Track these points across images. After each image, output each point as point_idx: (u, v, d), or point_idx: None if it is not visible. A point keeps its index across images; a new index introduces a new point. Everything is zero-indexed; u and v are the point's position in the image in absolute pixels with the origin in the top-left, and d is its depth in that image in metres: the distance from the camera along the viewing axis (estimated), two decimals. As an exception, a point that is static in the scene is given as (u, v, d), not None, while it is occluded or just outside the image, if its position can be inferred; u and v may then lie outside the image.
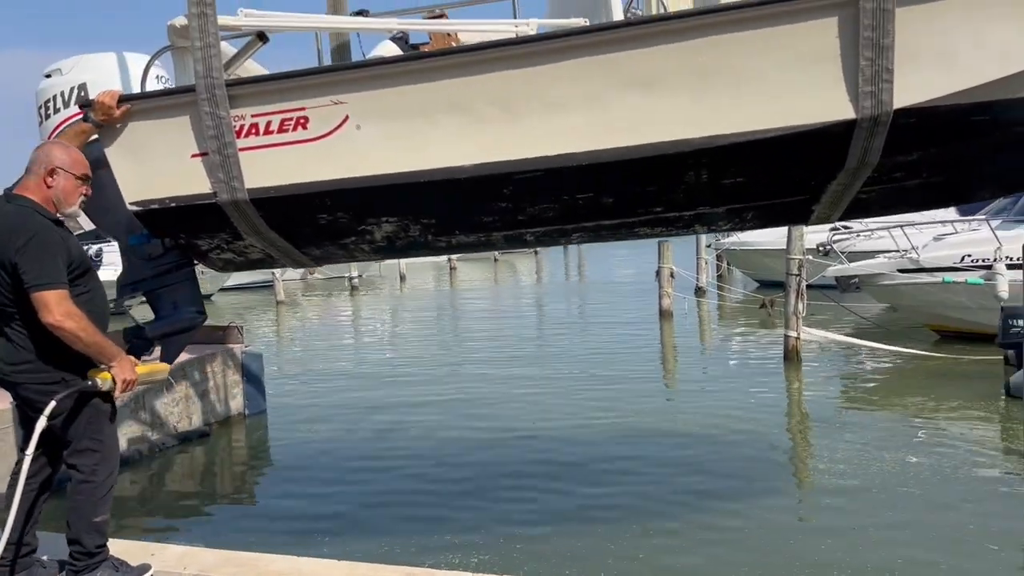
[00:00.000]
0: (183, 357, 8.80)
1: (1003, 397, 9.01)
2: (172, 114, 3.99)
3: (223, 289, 27.42)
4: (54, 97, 4.71)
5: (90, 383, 3.66)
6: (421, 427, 9.13)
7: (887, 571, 5.10)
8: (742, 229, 5.20)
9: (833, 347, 12.67)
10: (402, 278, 32.64)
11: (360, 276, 30.93)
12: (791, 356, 11.57)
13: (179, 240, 4.40)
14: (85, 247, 3.97)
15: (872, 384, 10.91)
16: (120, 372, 3.69)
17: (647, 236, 4.72)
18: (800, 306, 11.53)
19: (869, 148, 3.64)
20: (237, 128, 3.91)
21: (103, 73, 4.81)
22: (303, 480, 7.58)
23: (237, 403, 9.49)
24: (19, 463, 3.68)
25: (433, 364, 13.22)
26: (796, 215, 4.66)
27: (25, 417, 3.78)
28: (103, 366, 3.69)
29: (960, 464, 7.08)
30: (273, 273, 24.61)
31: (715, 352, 14.16)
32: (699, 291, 20.66)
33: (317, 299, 27.63)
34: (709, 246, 22.58)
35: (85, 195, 3.75)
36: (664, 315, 16.42)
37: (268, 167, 3.94)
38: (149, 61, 4.33)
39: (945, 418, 8.74)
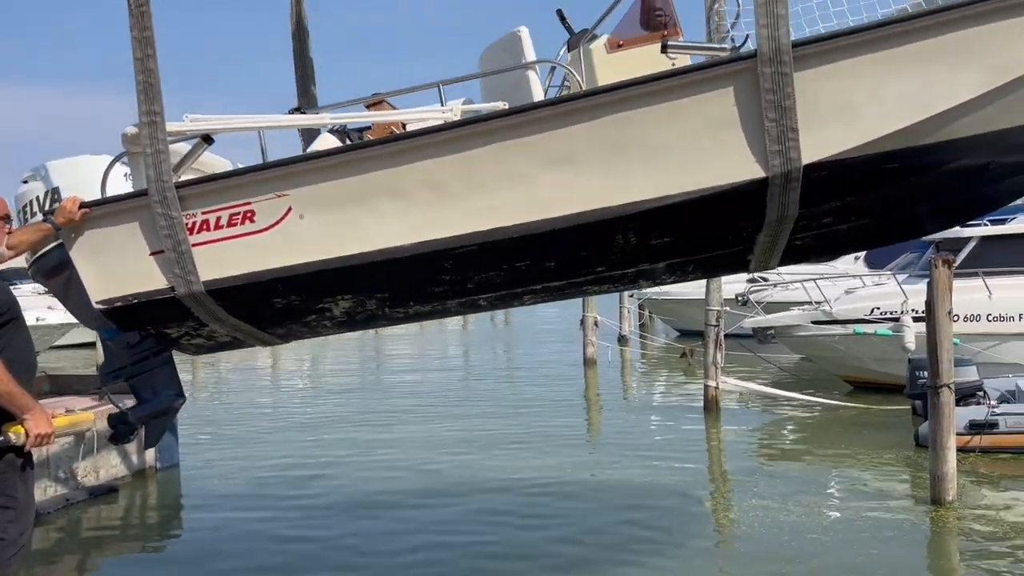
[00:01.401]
0: (94, 406, 8.51)
1: (913, 446, 9.35)
2: (128, 216, 4.21)
3: (54, 347, 25.00)
4: (31, 202, 4.94)
5: (2, 438, 3.53)
6: (340, 483, 8.95)
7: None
8: (686, 280, 5.37)
9: (751, 397, 13.00)
10: (325, 324, 32.09)
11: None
12: (710, 406, 11.80)
13: (148, 332, 4.56)
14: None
15: (788, 434, 11.20)
16: (34, 426, 3.58)
17: (597, 293, 4.88)
18: (718, 356, 11.81)
19: (786, 202, 3.81)
20: (189, 225, 4.13)
21: (74, 178, 5.05)
22: (217, 534, 7.36)
23: (148, 456, 9.15)
24: None
25: (354, 420, 13.02)
26: (735, 265, 4.84)
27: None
28: (17, 420, 3.58)
29: (869, 512, 7.30)
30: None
31: (638, 402, 14.34)
32: (622, 339, 20.96)
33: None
34: (631, 295, 23.00)
35: (9, 232, 3.74)
36: (588, 363, 16.61)
37: (220, 259, 4.16)
38: (107, 168, 4.49)
39: (858, 467, 9.01)
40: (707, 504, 8.16)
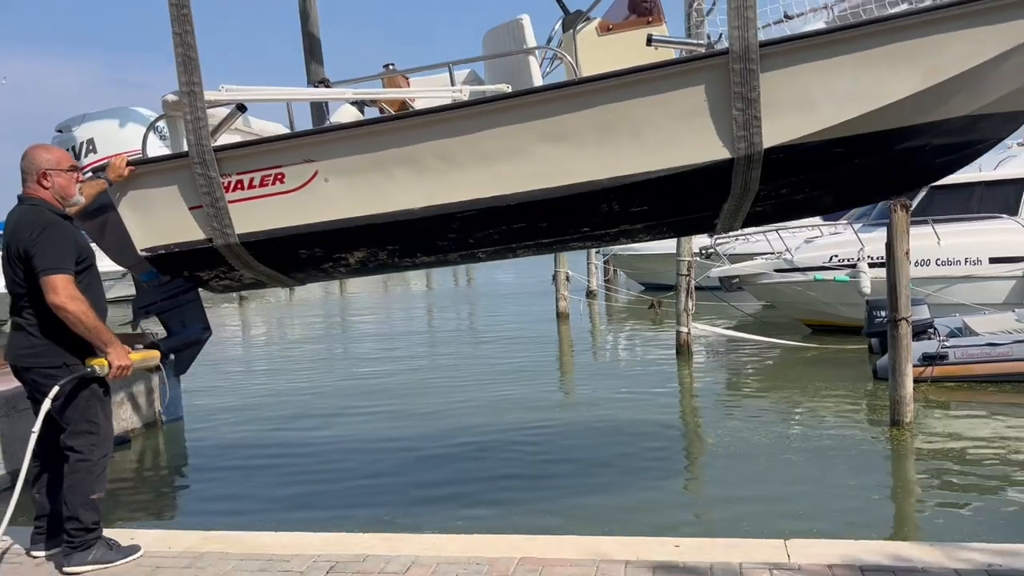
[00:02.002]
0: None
1: (871, 380, 10.12)
2: (171, 175, 4.67)
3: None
4: (67, 151, 5.15)
5: (88, 369, 3.95)
6: (336, 430, 9.46)
7: (780, 515, 5.90)
8: (660, 239, 5.93)
9: (719, 342, 13.72)
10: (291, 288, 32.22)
11: (248, 286, 30.29)
12: (683, 350, 12.51)
13: (184, 275, 5.03)
14: None
15: (755, 372, 11.96)
16: (115, 358, 4.00)
17: (581, 248, 5.38)
18: (690, 304, 12.49)
19: (749, 179, 4.39)
20: (225, 184, 4.56)
21: (107, 130, 5.55)
22: (234, 473, 7.83)
23: (155, 410, 9.52)
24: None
25: (345, 370, 13.49)
26: (703, 227, 5.44)
27: (34, 401, 4.04)
28: (100, 354, 4.00)
29: (834, 436, 8.05)
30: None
31: (613, 349, 15.05)
32: (590, 294, 21.60)
33: (216, 308, 27.04)
34: (598, 251, 23.61)
35: (80, 181, 4.12)
36: (561, 316, 17.20)
37: (254, 215, 4.62)
38: (146, 130, 4.85)
39: (820, 399, 9.77)
40: (683, 432, 8.89)
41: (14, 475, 7.00)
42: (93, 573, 3.98)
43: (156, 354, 4.48)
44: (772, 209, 4.99)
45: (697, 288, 13.02)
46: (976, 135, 4.65)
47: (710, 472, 7.37)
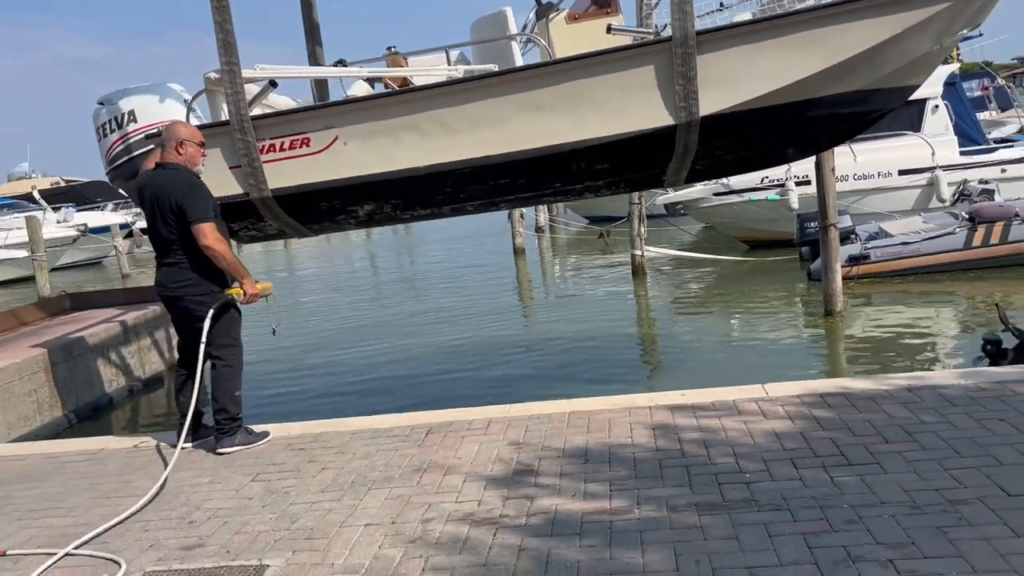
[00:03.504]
0: (134, 314, 9.79)
1: (805, 282, 11.69)
2: (215, 140, 5.46)
3: (54, 269, 26.46)
4: (109, 121, 5.97)
5: (230, 296, 5.06)
6: (340, 362, 10.63)
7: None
8: (619, 193, 7.07)
9: (669, 261, 15.21)
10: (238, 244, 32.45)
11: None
12: (638, 271, 13.94)
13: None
14: None
15: (703, 286, 13.50)
16: (248, 287, 5.11)
17: (552, 201, 6.50)
18: (642, 229, 13.88)
19: (688, 141, 5.43)
20: (260, 147, 5.50)
21: (146, 102, 6.22)
22: (287, 388, 8.96)
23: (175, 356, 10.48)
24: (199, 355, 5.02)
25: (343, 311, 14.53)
26: (653, 182, 6.56)
27: (181, 323, 5.13)
28: (235, 284, 5.10)
29: (776, 329, 9.60)
30: (116, 247, 24.52)
31: (573, 276, 16.45)
32: (539, 229, 22.86)
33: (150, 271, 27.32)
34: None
35: (204, 155, 5.12)
36: (518, 251, 18.45)
37: (284, 173, 5.58)
38: (189, 103, 5.78)
39: (761, 301, 11.35)
40: (642, 338, 10.34)
41: (70, 417, 8.08)
42: (239, 451, 5.12)
43: (271, 285, 5.54)
44: (707, 167, 6.08)
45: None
46: (871, 105, 5.68)
47: (666, 370, 8.78)
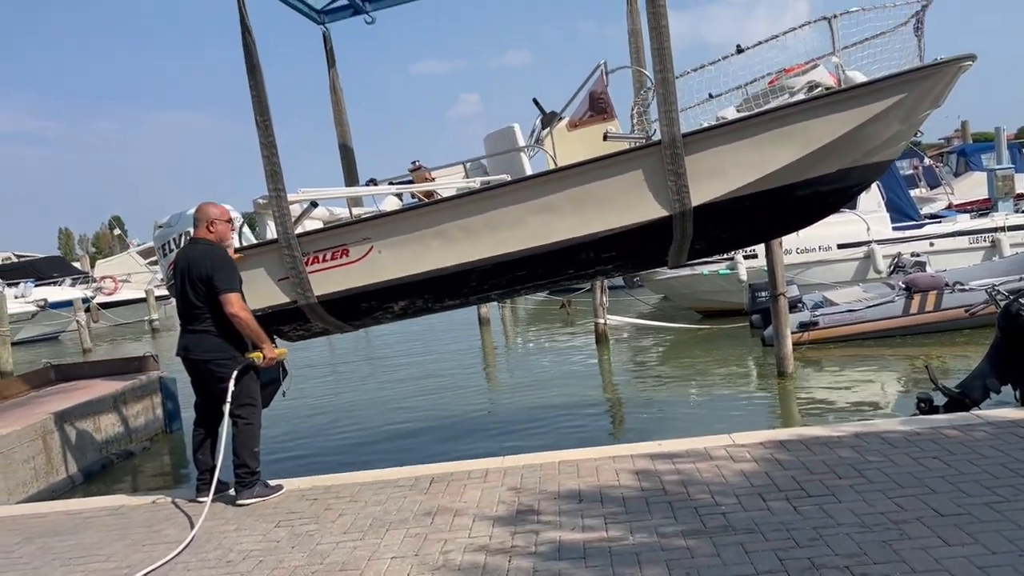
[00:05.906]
0: (121, 384, 10.13)
1: (759, 347, 12.46)
2: (263, 257, 6.16)
3: (14, 343, 26.40)
4: (169, 241, 6.39)
5: (251, 360, 5.58)
6: (323, 426, 11.05)
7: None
8: (628, 273, 7.58)
9: (629, 329, 15.97)
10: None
11: (158, 319, 30.69)
12: (601, 338, 14.66)
13: (271, 329, 6.37)
14: None
15: (662, 351, 14.24)
16: (268, 352, 5.64)
17: (567, 286, 6.99)
18: (604, 299, 14.67)
19: (685, 228, 5.90)
20: (305, 259, 6.09)
21: None
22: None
23: (160, 422, 10.79)
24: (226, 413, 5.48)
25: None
26: (657, 263, 6.98)
27: (204, 385, 5.62)
28: (255, 349, 5.63)
29: (732, 391, 10.32)
30: (77, 320, 24.49)
31: (538, 345, 17.08)
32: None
33: (125, 342, 27.38)
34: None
35: (233, 230, 5.70)
36: (483, 322, 19.06)
37: (327, 281, 6.12)
38: (240, 227, 6.32)
39: (717, 366, 12.10)
40: (612, 399, 11.01)
41: (74, 478, 8.37)
42: (258, 503, 5.56)
43: (285, 351, 6.06)
44: (706, 246, 6.46)
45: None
46: (851, 181, 6.21)
47: (627, 428, 9.38)
